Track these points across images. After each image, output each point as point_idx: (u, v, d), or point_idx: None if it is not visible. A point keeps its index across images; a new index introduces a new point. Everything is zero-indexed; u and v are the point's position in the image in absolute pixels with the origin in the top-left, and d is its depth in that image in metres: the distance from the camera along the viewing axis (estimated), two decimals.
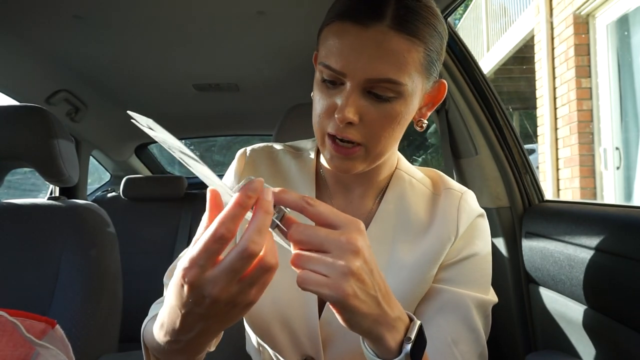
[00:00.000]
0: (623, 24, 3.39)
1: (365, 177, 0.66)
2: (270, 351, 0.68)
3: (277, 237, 0.44)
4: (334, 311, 0.43)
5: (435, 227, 0.64)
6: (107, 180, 2.73)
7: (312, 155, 0.71)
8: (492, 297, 0.65)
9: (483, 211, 0.67)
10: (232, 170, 0.72)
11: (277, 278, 0.62)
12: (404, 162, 0.70)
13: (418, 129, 0.62)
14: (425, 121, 0.62)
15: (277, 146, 0.74)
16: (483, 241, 0.65)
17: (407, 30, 0.52)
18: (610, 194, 3.43)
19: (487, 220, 0.68)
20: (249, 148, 0.73)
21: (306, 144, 0.74)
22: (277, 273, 0.62)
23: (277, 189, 0.42)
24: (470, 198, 0.66)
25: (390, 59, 0.52)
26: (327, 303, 0.59)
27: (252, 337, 0.72)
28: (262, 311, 0.65)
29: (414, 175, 0.69)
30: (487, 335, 0.63)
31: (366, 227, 0.63)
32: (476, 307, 0.61)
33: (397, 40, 0.52)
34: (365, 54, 0.52)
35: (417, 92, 0.56)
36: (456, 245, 0.63)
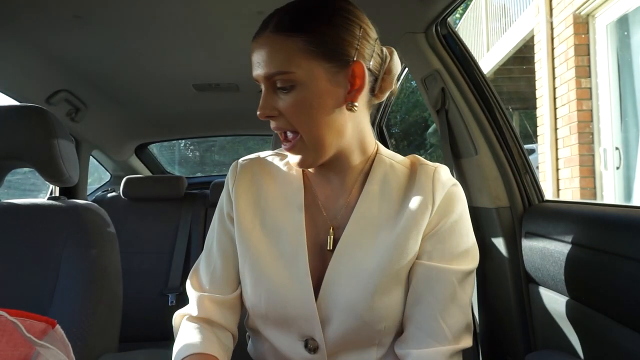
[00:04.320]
0: (623, 24, 3.39)
1: (340, 166, 0.72)
2: (270, 341, 0.72)
3: None
4: None
5: (414, 199, 0.70)
6: (107, 180, 2.74)
7: None
8: (474, 262, 0.71)
9: (457, 182, 0.73)
10: (227, 182, 0.79)
11: (268, 268, 0.70)
12: (383, 148, 0.77)
13: (348, 112, 0.67)
14: (356, 104, 0.67)
15: (265, 154, 0.82)
16: (460, 208, 0.71)
17: (282, 29, 0.62)
18: (610, 194, 3.43)
19: (461, 189, 0.73)
20: (239, 160, 0.80)
21: None
22: (268, 263, 0.70)
23: None
24: (443, 171, 0.73)
25: (275, 56, 0.63)
26: (323, 284, 0.68)
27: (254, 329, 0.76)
28: (259, 302, 0.71)
29: (394, 159, 0.76)
30: (471, 298, 0.70)
31: (352, 209, 0.71)
32: (460, 282, 0.68)
33: (276, 39, 0.63)
34: (259, 59, 0.64)
35: (318, 76, 0.63)
36: (435, 215, 0.69)
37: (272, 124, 0.67)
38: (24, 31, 1.25)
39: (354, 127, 0.69)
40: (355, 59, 0.64)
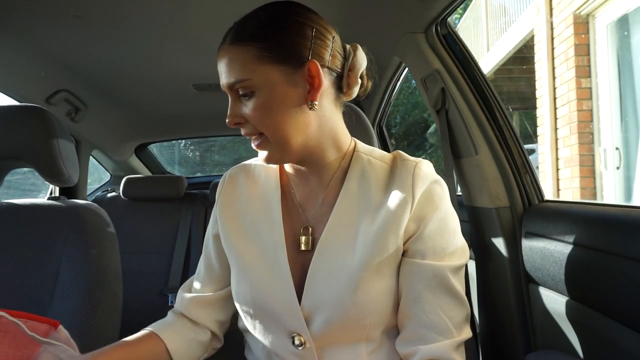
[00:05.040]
0: (623, 24, 3.39)
1: (312, 162, 0.74)
2: (263, 341, 0.74)
3: None
4: None
5: (393, 194, 0.71)
6: (107, 180, 2.74)
7: None
8: (466, 256, 0.73)
9: (439, 178, 0.74)
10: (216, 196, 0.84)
11: (251, 267, 0.73)
12: (361, 145, 0.79)
13: (311, 111, 0.69)
14: (315, 103, 0.69)
15: (252, 160, 0.86)
16: (444, 205, 0.72)
17: (236, 40, 0.67)
18: (610, 194, 3.43)
19: (443, 187, 0.74)
20: (227, 172, 0.85)
21: None
22: (250, 262, 0.73)
23: None
24: (424, 166, 0.73)
25: (232, 66, 0.67)
26: (306, 282, 0.70)
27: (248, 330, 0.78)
28: (245, 300, 0.74)
29: (372, 155, 0.77)
30: (464, 288, 0.72)
31: (332, 206, 0.73)
32: (453, 276, 0.70)
33: (231, 50, 0.67)
34: (221, 70, 0.68)
35: (274, 79, 0.66)
36: (416, 212, 0.70)
37: (242, 131, 0.71)
38: (24, 31, 1.25)
39: (323, 125, 0.71)
40: (309, 58, 0.67)
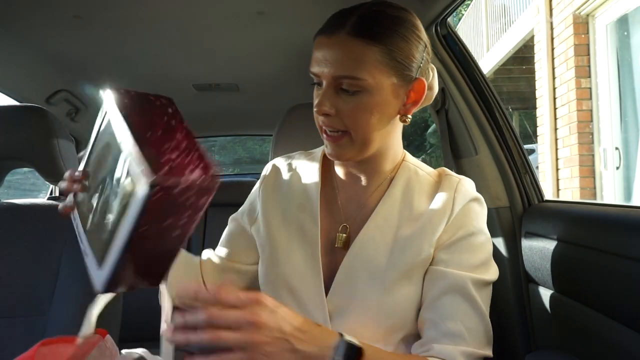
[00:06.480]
0: (623, 24, 3.39)
1: (370, 168, 0.76)
2: None
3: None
4: None
5: (434, 205, 0.73)
6: None
7: (320, 153, 0.83)
8: (492, 275, 0.73)
9: (479, 196, 0.75)
10: (259, 180, 0.86)
11: (285, 256, 0.75)
12: (410, 156, 0.81)
13: (402, 122, 0.73)
14: (409, 116, 0.72)
15: (294, 154, 0.87)
16: (478, 223, 0.73)
17: (362, 34, 0.64)
18: (609, 194, 3.43)
19: (482, 205, 0.75)
20: (272, 160, 0.87)
21: (322, 147, 0.85)
22: (284, 251, 0.75)
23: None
24: (467, 183, 0.76)
25: (348, 59, 0.64)
26: (336, 277, 0.71)
27: None
28: (273, 282, 0.76)
29: (419, 166, 0.79)
30: (488, 309, 0.71)
31: (373, 208, 0.75)
32: (475, 287, 0.69)
33: (353, 43, 0.64)
34: (329, 57, 0.65)
35: (385, 86, 0.66)
36: (452, 224, 0.71)
37: (324, 121, 0.69)
38: (24, 31, 1.25)
39: (395, 135, 0.74)
40: (417, 75, 0.69)
